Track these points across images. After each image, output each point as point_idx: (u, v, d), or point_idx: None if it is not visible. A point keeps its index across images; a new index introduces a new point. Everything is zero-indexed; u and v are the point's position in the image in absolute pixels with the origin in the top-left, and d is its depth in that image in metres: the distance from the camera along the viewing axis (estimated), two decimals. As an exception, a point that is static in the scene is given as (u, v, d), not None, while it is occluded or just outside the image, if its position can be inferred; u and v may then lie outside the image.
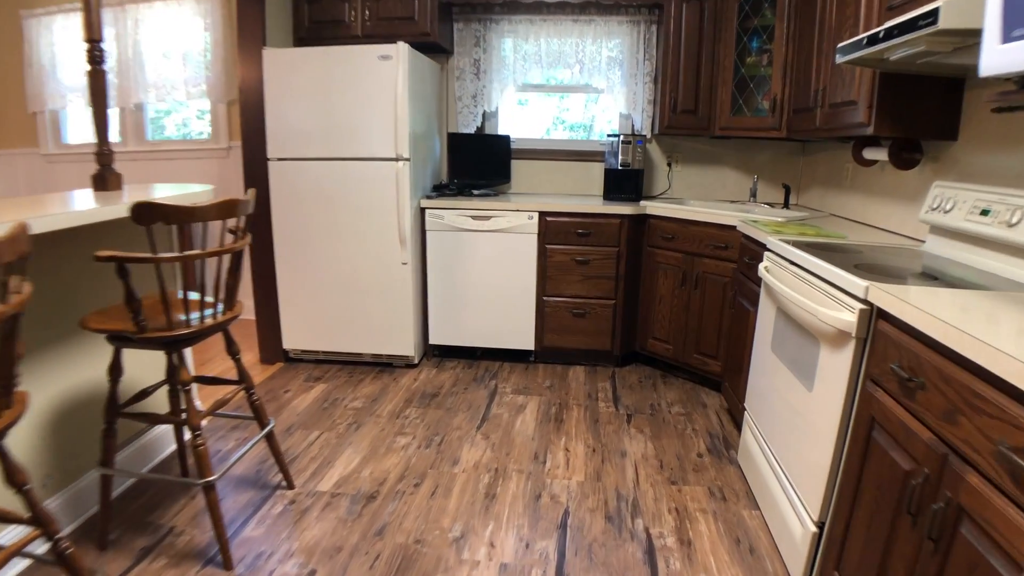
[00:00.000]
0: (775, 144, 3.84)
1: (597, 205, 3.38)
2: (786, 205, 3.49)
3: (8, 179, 5.26)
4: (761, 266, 2.33)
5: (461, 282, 3.57)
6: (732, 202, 3.78)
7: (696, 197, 3.98)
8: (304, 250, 3.54)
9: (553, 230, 3.42)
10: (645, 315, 3.56)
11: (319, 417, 3.01)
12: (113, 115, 5.11)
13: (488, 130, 4.05)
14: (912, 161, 2.51)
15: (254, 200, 2.78)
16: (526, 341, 3.63)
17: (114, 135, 5.03)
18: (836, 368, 1.69)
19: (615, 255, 3.42)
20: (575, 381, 3.49)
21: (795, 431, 1.96)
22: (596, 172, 3.99)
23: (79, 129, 5.07)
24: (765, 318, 2.35)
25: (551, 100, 4.20)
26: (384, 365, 3.71)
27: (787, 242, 2.22)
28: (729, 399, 2.94)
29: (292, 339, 3.71)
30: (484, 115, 4.02)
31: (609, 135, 3.69)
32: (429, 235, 3.53)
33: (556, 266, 3.47)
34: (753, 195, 3.63)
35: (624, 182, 3.68)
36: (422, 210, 3.52)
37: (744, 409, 2.60)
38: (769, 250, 2.38)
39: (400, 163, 3.26)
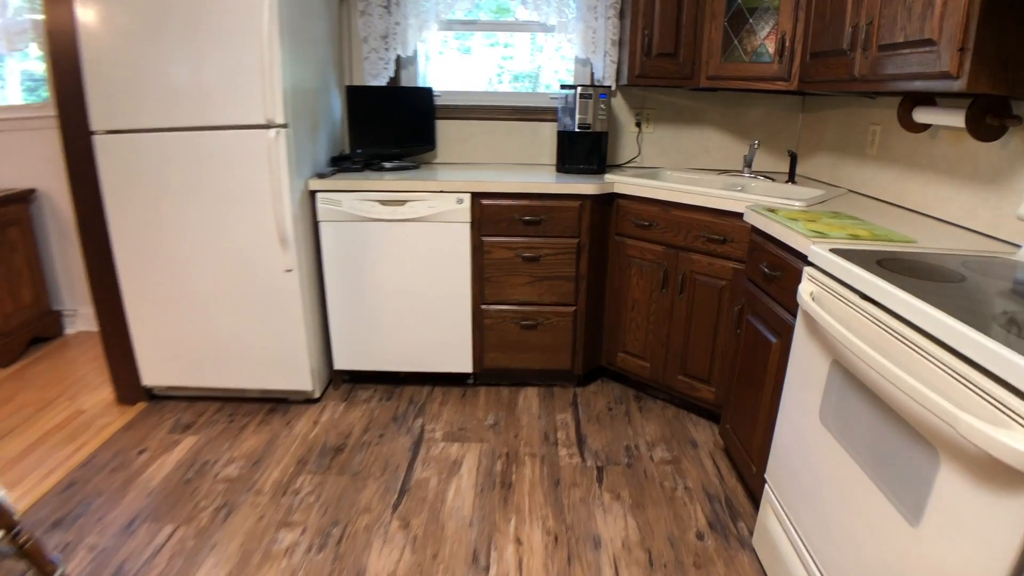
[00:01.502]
0: (769, 98, 3.08)
1: (549, 182, 2.57)
2: (791, 178, 2.75)
3: None
4: (804, 290, 1.59)
5: (371, 289, 2.74)
6: (721, 172, 3.03)
7: (674, 166, 3.20)
8: (154, 257, 2.63)
9: (491, 217, 2.60)
10: (614, 323, 2.81)
11: (177, 498, 2.19)
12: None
13: (405, 82, 3.16)
14: (997, 130, 1.78)
15: None
16: (462, 362, 2.84)
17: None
18: (985, 516, 0.96)
19: (574, 248, 2.64)
20: (526, 413, 2.73)
21: (873, 562, 1.24)
22: (547, 135, 3.17)
23: None
24: (808, 366, 1.62)
25: (494, 47, 3.33)
26: (277, 401, 2.87)
27: (849, 257, 1.47)
28: (730, 442, 2.24)
29: (153, 372, 2.83)
30: (399, 62, 3.12)
31: (563, 87, 2.85)
32: (323, 228, 2.67)
33: (497, 265, 2.67)
34: (748, 164, 2.87)
35: (583, 149, 2.88)
36: (312, 194, 2.64)
37: (764, 480, 1.89)
38: (814, 265, 1.63)
39: (273, 132, 2.37)
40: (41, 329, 3.71)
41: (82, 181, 2.64)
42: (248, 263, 2.59)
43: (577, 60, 3.12)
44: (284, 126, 2.40)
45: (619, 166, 3.18)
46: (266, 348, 2.72)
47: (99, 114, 2.47)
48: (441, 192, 2.57)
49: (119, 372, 2.91)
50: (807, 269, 1.64)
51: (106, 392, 3.07)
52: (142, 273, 2.66)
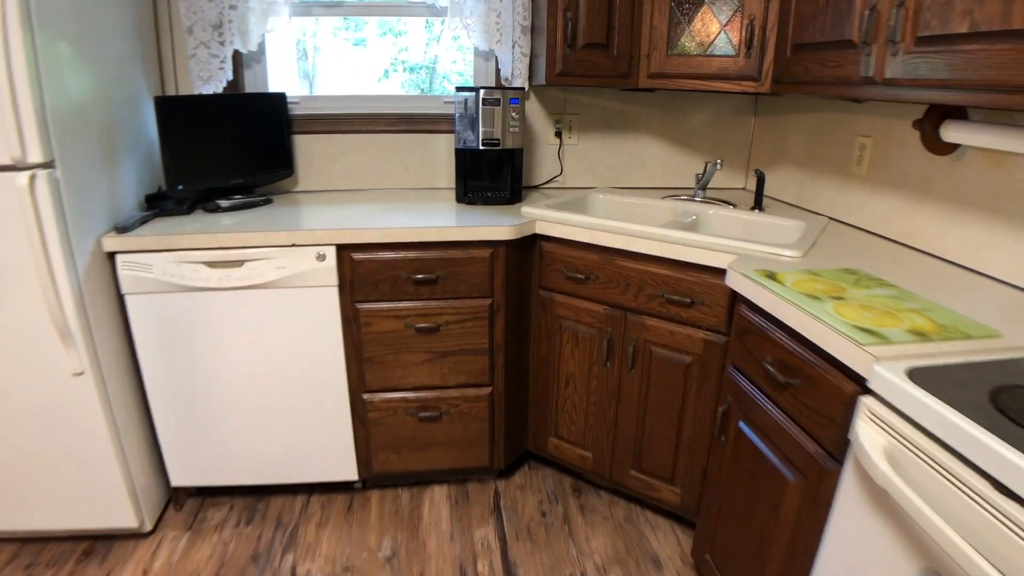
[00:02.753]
0: (716, 98, 2.49)
1: (446, 225, 1.88)
2: (758, 204, 2.17)
3: None
4: (867, 438, 0.99)
5: (209, 381, 1.98)
6: (666, 194, 2.42)
7: (604, 184, 2.57)
8: None
9: (368, 277, 1.89)
10: (542, 401, 2.16)
11: None
12: None
13: (250, 86, 2.38)
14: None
15: None
16: (342, 468, 2.12)
17: None
18: None
19: (486, 312, 1.96)
20: (435, 531, 2.05)
21: None
22: (444, 150, 2.46)
23: None
24: (873, 557, 1.01)
25: (385, 36, 2.59)
26: (94, 539, 2.07)
27: (942, 388, 0.87)
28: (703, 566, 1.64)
29: None
30: (237, 60, 2.34)
31: (459, 89, 2.15)
32: (131, 303, 1.87)
33: (380, 340, 1.96)
34: (703, 187, 2.27)
35: (491, 171, 2.19)
36: (110, 257, 1.85)
37: None
38: (883, 400, 1.02)
39: (25, 176, 1.56)
40: None
41: None
42: (18, 364, 1.78)
43: (477, 53, 2.42)
44: (47, 165, 1.60)
45: (537, 187, 2.53)
46: (64, 476, 1.92)
47: None
48: (293, 246, 1.83)
49: None
50: (867, 400, 1.03)
51: None
52: None
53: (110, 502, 1.96)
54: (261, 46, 2.34)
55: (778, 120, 2.38)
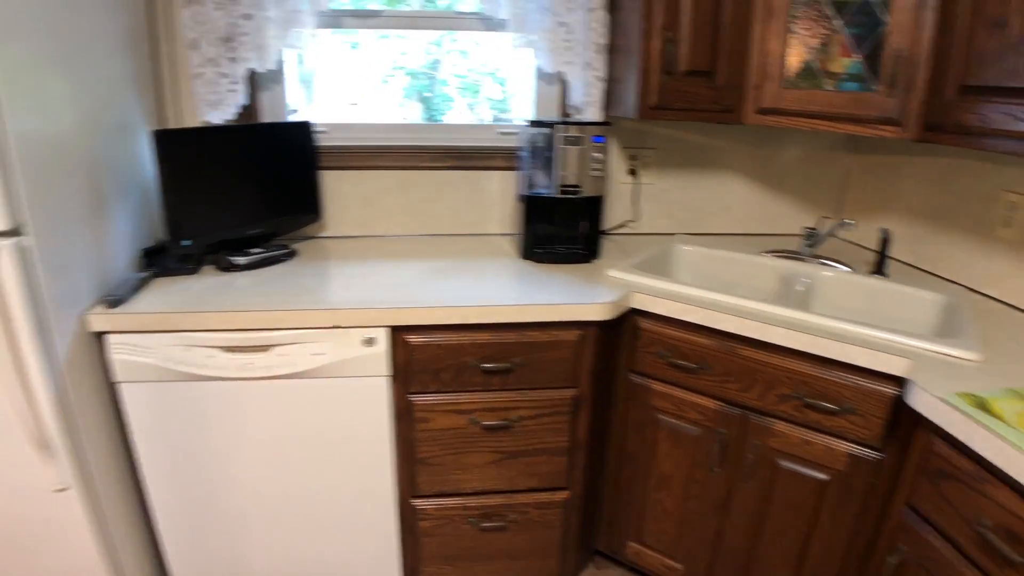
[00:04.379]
0: (808, 136, 2.16)
1: (522, 294, 1.53)
2: (879, 269, 1.83)
3: None
4: None
5: (226, 488, 1.61)
6: (754, 241, 2.08)
7: (681, 228, 2.22)
8: None
9: (426, 364, 1.53)
10: (622, 501, 1.82)
11: None
12: None
13: (267, 112, 2.01)
14: None
15: None
16: (383, 581, 1.77)
17: None
18: None
19: (569, 405, 1.61)
20: (495, 664, 1.71)
21: None
22: (496, 190, 2.10)
23: None
24: None
25: (385, 38, 2.23)
26: None
27: None
28: None
29: None
30: (253, 81, 1.96)
31: (533, 123, 1.79)
32: (125, 393, 1.50)
33: (438, 439, 1.60)
34: (813, 242, 1.93)
35: (566, 223, 1.84)
36: (99, 338, 1.47)
37: None
38: None
39: (-15, 250, 1.20)
40: None
41: None
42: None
43: (540, 73, 2.07)
44: (14, 233, 1.23)
45: (605, 233, 2.17)
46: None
47: None
48: (335, 328, 1.46)
49: None
50: None
51: None
52: None
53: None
54: (280, 63, 1.97)
55: (885, 162, 2.05)
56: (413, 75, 2.34)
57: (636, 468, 1.75)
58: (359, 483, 1.62)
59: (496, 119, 2.32)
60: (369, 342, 1.47)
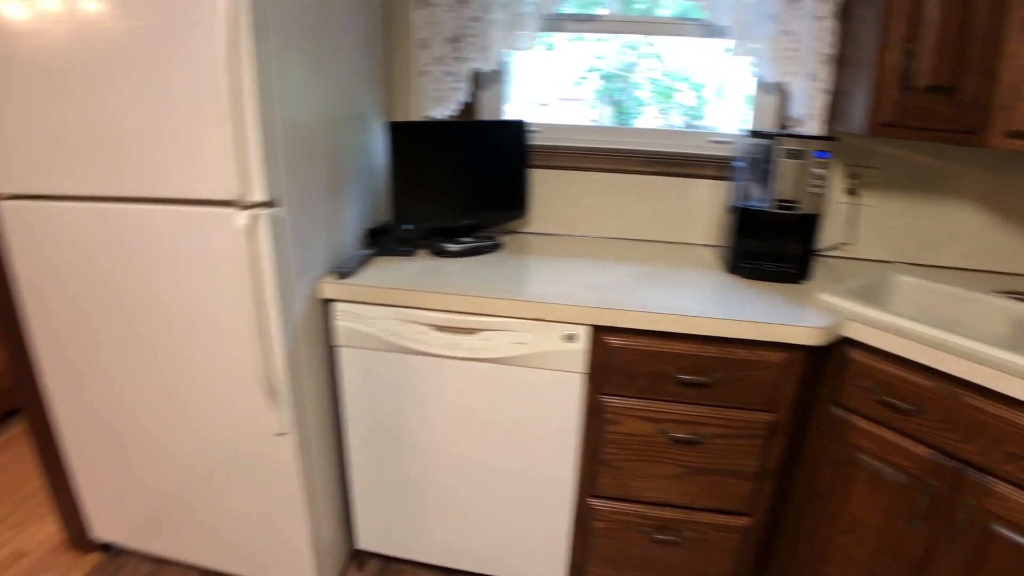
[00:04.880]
0: (1076, 157, 1.91)
1: (726, 307, 1.50)
2: None
3: None
4: None
5: (416, 452, 1.73)
6: (987, 280, 1.88)
7: (900, 256, 2.06)
8: (87, 381, 1.74)
9: (623, 367, 1.54)
10: (802, 539, 1.72)
11: None
12: None
13: (485, 111, 2.12)
14: None
15: None
16: (549, 571, 1.81)
17: None
18: None
19: (763, 429, 1.56)
20: None
21: None
22: (703, 199, 2.06)
23: None
24: None
25: (578, 40, 2.26)
26: None
27: None
28: None
29: (106, 525, 2.03)
30: (476, 81, 2.08)
31: (753, 134, 1.75)
32: (344, 357, 1.66)
33: (625, 442, 1.61)
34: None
35: (777, 240, 1.77)
36: (325, 304, 1.64)
37: None
38: None
39: (245, 217, 1.37)
40: (14, 401, 2.92)
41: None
42: (218, 414, 1.63)
43: (760, 84, 2.01)
44: (267, 204, 1.40)
45: (817, 254, 2.06)
46: (252, 527, 1.77)
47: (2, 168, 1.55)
48: (539, 321, 1.52)
49: (67, 514, 2.08)
50: None
51: (50, 530, 2.27)
52: (76, 400, 1.79)
53: (292, 559, 1.80)
54: (500, 64, 2.07)
55: None
56: (607, 78, 2.37)
57: (824, 506, 1.65)
58: (541, 472, 1.67)
59: (688, 126, 2.28)
60: (569, 338, 1.51)
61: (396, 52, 2.08)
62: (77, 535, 2.11)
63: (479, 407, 1.63)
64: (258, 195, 1.38)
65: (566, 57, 2.31)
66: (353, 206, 1.80)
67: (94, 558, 2.11)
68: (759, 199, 1.72)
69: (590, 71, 2.37)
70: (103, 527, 2.02)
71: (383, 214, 2.03)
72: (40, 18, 1.38)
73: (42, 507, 2.39)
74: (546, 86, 2.34)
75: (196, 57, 1.31)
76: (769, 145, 1.69)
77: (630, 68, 2.38)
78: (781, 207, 1.69)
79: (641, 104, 2.37)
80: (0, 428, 2.96)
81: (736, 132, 1.98)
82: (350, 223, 1.79)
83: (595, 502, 1.69)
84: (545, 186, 2.09)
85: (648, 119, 2.34)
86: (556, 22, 2.07)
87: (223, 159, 1.36)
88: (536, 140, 2.08)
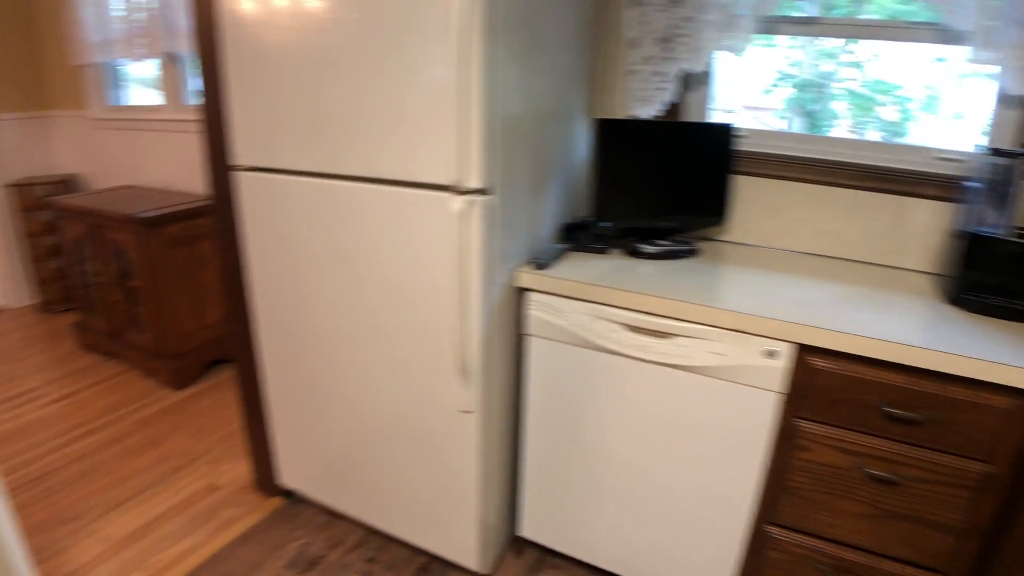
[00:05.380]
0: None
1: (946, 341, 1.38)
2: None
3: (38, 152, 4.28)
4: None
5: (591, 449, 1.76)
6: None
7: None
8: (297, 339, 1.94)
9: (826, 392, 1.47)
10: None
11: None
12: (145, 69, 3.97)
13: (691, 113, 2.10)
14: None
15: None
16: (711, 590, 1.77)
17: (150, 97, 3.96)
18: None
19: (974, 480, 1.42)
20: None
21: None
22: (920, 221, 1.91)
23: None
24: None
25: (771, 46, 2.15)
26: (433, 559, 2.07)
27: None
28: None
29: (291, 473, 2.27)
30: (685, 82, 2.06)
31: (993, 152, 1.60)
32: (533, 346, 1.72)
33: (815, 472, 1.54)
34: None
35: (1012, 271, 1.61)
36: (521, 292, 1.70)
37: None
38: None
39: (460, 202, 1.45)
40: (223, 351, 3.33)
41: (225, 224, 1.97)
42: (409, 386, 1.74)
43: (1001, 97, 1.83)
44: (481, 191, 1.46)
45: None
46: (424, 497, 1.88)
47: (242, 140, 1.75)
48: (738, 332, 1.48)
49: (259, 457, 2.33)
50: None
51: (241, 468, 2.55)
52: (282, 355, 2.00)
53: (457, 535, 1.88)
54: (709, 65, 2.03)
55: None
56: (800, 87, 2.25)
57: (1044, 576, 1.49)
58: (718, 489, 1.63)
59: (885, 139, 2.11)
60: (770, 354, 1.46)
61: (603, 50, 2.10)
62: (265, 478, 2.33)
63: (663, 414, 1.62)
64: (475, 182, 1.45)
65: (756, 63, 2.23)
66: (552, 200, 1.84)
67: (276, 502, 2.33)
68: (993, 225, 1.57)
69: (782, 78, 2.28)
70: (288, 475, 2.22)
71: (579, 210, 2.07)
72: (283, 12, 1.53)
73: (237, 448, 2.67)
74: (734, 92, 2.27)
75: (427, 50, 1.41)
76: (1011, 165, 1.53)
77: (827, 77, 2.25)
78: (1021, 235, 1.53)
79: (835, 117, 2.23)
80: (207, 374, 3.34)
81: (969, 149, 1.81)
82: (548, 217, 1.84)
83: (772, 530, 1.63)
84: (747, 194, 2.03)
85: (840, 132, 2.21)
86: (772, 24, 2.00)
87: (445, 146, 1.45)
88: (742, 145, 2.02)
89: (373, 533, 2.17)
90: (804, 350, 1.45)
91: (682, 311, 1.51)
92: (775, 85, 2.27)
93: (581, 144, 2.02)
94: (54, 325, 4.09)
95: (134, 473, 2.52)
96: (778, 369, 1.47)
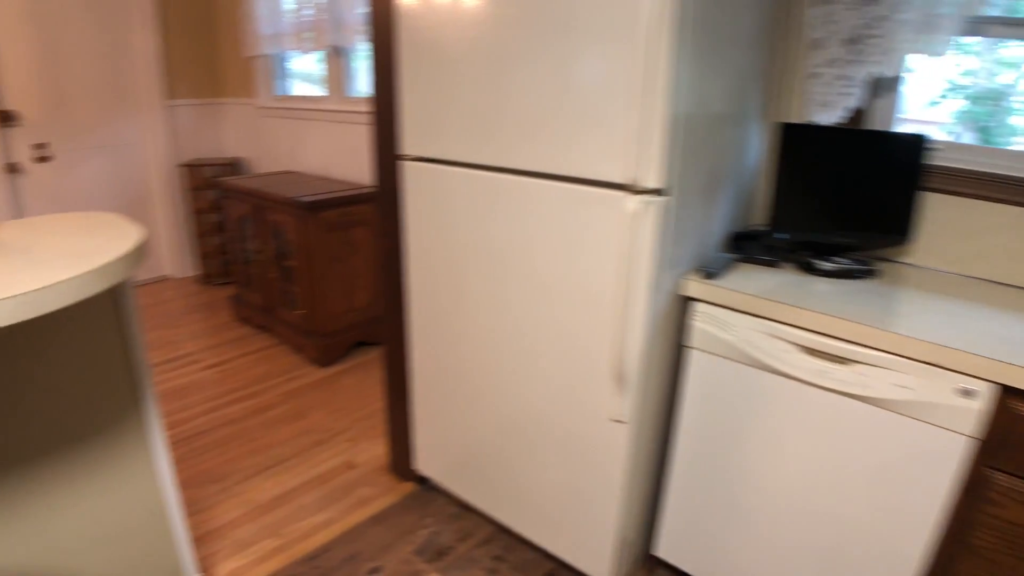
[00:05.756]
0: None
1: None
2: None
3: (208, 136, 4.67)
4: None
5: (743, 474, 1.67)
6: None
7: None
8: (446, 329, 1.99)
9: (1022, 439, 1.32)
10: None
11: None
12: (305, 64, 4.27)
13: (878, 121, 1.94)
14: None
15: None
16: (869, 643, 1.64)
17: (307, 90, 4.29)
18: None
19: None
20: None
21: None
22: None
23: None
24: None
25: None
26: (561, 566, 2.05)
27: None
28: None
29: (427, 460, 2.33)
30: (875, 87, 1.91)
31: None
32: (693, 359, 1.65)
33: (1003, 532, 1.38)
34: None
35: None
36: (685, 301, 1.63)
37: None
38: None
39: (635, 202, 1.41)
40: (368, 334, 3.49)
41: (387, 211, 2.04)
42: (558, 388, 1.72)
43: None
44: (658, 192, 1.42)
45: None
46: (561, 502, 1.86)
47: (411, 131, 1.79)
48: (930, 365, 1.35)
49: (397, 441, 2.40)
50: None
51: (377, 448, 2.65)
52: (431, 344, 2.06)
53: (592, 545, 1.85)
54: (901, 70, 1.88)
55: None
56: (974, 98, 2.02)
57: None
58: (883, 535, 1.50)
59: None
60: (965, 393, 1.32)
61: (781, 51, 1.99)
62: (400, 462, 2.40)
63: (831, 446, 1.51)
64: (652, 182, 1.41)
65: (923, 72, 2.03)
66: (723, 207, 1.76)
67: (409, 486, 2.39)
68: None
69: (952, 89, 2.06)
70: (424, 461, 2.27)
71: (749, 219, 1.98)
72: (460, 6, 1.54)
73: (376, 429, 2.76)
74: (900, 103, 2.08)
75: (611, 45, 1.37)
76: None
77: (1007, 88, 2.02)
78: None
79: (1014, 133, 1.99)
80: (351, 354, 3.49)
81: None
82: (717, 224, 1.76)
83: (950, 585, 1.48)
84: (936, 213, 1.86)
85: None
86: (976, 25, 1.82)
87: (624, 144, 1.42)
88: (935, 159, 1.85)
89: (503, 531, 2.18)
90: (1008, 392, 1.30)
91: (868, 336, 1.39)
92: (943, 96, 2.07)
93: (754, 149, 1.92)
94: (213, 296, 4.42)
95: (277, 442, 2.67)
96: (973, 411, 1.33)
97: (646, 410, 1.67)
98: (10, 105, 3.83)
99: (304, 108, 3.94)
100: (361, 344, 3.53)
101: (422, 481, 2.40)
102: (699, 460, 1.73)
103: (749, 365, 1.56)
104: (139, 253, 1.33)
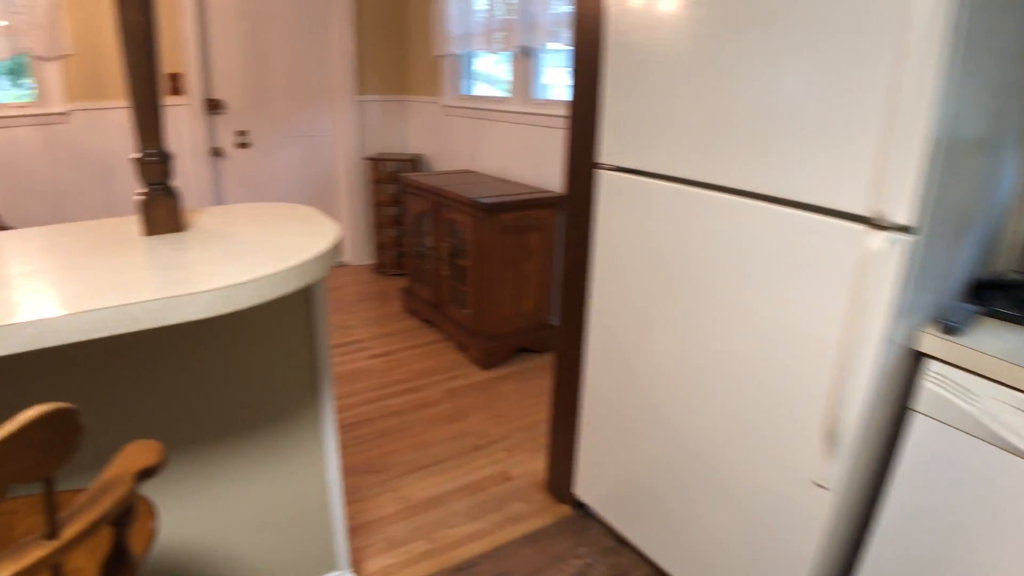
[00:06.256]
0: None
1: None
2: None
3: (393, 131, 4.88)
4: None
5: (965, 571, 1.41)
6: None
7: None
8: (627, 350, 1.85)
9: None
10: None
11: None
12: (487, 65, 4.36)
13: None
14: None
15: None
16: None
17: (489, 91, 4.37)
18: None
19: None
20: None
21: None
22: None
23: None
24: None
25: None
26: None
27: None
28: None
29: (586, 487, 2.25)
30: None
31: None
32: (919, 426, 1.41)
33: None
34: None
35: None
36: (917, 357, 1.40)
37: None
38: None
39: (880, 239, 1.22)
40: (532, 341, 3.48)
41: (577, 221, 1.97)
42: (748, 436, 1.56)
43: None
44: (906, 229, 1.21)
45: None
46: (735, 558, 1.70)
47: (611, 138, 1.69)
48: None
49: (557, 459, 2.34)
50: None
51: (536, 464, 2.59)
52: (608, 363, 1.98)
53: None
54: None
55: None
56: None
57: None
58: None
59: None
60: None
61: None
62: (558, 482, 2.32)
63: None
64: (901, 217, 1.21)
65: None
66: (967, 248, 1.51)
67: (565, 509, 2.30)
68: None
69: None
70: (584, 486, 2.18)
71: (994, 263, 1.69)
72: (679, 10, 1.41)
73: (535, 442, 2.70)
74: None
75: (868, 59, 1.19)
76: None
77: None
78: None
79: None
80: (513, 359, 3.48)
81: None
82: (960, 268, 1.50)
83: None
84: None
85: None
86: None
87: (871, 170, 1.23)
88: None
89: (660, 574, 2.03)
90: None
91: None
92: None
93: (1008, 181, 1.63)
94: (385, 286, 4.60)
95: (436, 441, 2.69)
96: None
97: (857, 479, 1.46)
98: (218, 94, 4.19)
99: (487, 109, 3.97)
100: (523, 351, 3.50)
101: (579, 506, 2.30)
102: (907, 542, 1.49)
103: (991, 443, 1.30)
104: (335, 251, 1.33)
